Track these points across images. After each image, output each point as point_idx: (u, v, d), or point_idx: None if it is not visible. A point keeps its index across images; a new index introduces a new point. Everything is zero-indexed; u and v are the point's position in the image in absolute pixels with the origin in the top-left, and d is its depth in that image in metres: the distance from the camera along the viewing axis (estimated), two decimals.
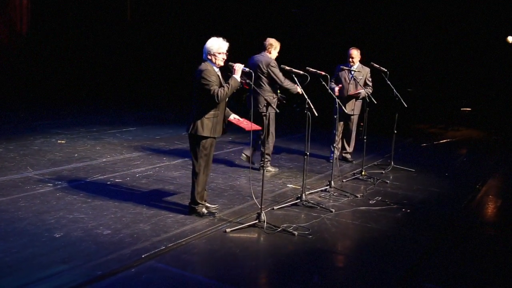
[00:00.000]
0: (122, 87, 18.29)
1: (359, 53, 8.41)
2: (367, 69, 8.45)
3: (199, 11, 18.22)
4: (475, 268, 4.70)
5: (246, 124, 5.54)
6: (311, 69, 6.44)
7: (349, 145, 8.79)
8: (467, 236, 5.55)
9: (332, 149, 8.25)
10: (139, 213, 5.55)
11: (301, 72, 6.01)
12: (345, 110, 7.99)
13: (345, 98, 8.34)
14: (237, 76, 5.33)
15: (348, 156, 8.85)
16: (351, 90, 8.31)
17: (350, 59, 8.36)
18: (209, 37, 5.43)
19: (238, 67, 5.36)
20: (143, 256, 4.44)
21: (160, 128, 11.47)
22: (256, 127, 5.65)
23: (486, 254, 5.05)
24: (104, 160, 8.00)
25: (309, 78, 5.93)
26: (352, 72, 8.19)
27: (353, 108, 8.46)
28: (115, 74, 18.50)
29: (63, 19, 17.58)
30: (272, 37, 7.59)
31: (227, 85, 5.28)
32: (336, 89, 8.13)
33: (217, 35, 5.42)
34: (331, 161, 8.49)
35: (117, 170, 7.42)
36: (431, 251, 5.03)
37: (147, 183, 6.81)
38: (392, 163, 8.39)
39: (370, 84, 8.46)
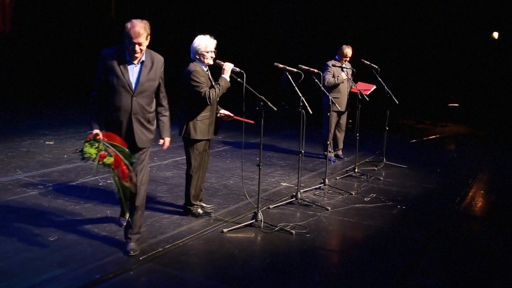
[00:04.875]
0: None
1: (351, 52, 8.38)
2: (349, 65, 8.43)
3: (184, 7, 18.06)
4: (473, 263, 4.70)
5: (237, 116, 5.42)
6: (303, 67, 6.37)
7: (341, 142, 8.77)
8: (463, 232, 5.56)
9: (329, 148, 8.20)
10: None
11: (295, 70, 5.94)
12: (338, 108, 7.93)
13: (345, 94, 8.39)
14: (227, 76, 5.21)
15: (340, 153, 8.83)
16: (353, 87, 8.25)
17: (346, 58, 8.28)
18: (194, 34, 5.26)
19: (228, 67, 5.22)
20: (141, 258, 4.37)
21: None
22: (248, 120, 5.44)
23: (484, 250, 5.06)
24: None
25: (303, 76, 5.87)
26: (345, 69, 8.17)
27: (346, 104, 8.47)
28: None
29: (47, 17, 17.33)
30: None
31: (218, 86, 5.14)
32: (343, 74, 8.14)
33: (202, 33, 5.26)
34: (332, 160, 8.40)
35: (108, 170, 7.29)
36: (429, 247, 5.03)
37: None
38: (384, 159, 8.41)
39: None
